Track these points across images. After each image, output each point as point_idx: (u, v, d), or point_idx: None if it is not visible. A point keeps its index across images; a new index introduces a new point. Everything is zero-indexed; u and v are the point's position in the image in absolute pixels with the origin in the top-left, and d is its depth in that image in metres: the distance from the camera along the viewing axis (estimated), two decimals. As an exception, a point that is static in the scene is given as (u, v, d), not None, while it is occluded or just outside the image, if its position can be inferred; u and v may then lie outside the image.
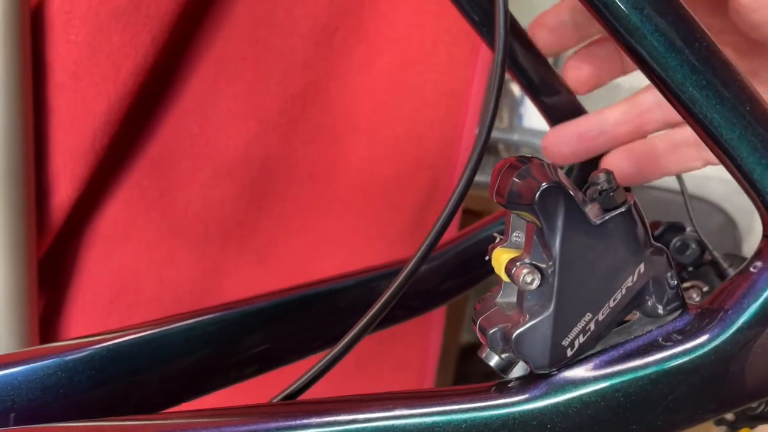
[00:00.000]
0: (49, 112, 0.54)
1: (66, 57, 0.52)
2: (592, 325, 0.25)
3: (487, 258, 0.27)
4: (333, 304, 0.35)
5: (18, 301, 0.57)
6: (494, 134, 0.97)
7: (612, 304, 0.26)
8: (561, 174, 0.25)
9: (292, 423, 0.22)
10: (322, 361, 0.27)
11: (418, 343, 0.65)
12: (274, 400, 0.26)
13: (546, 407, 0.24)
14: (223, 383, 0.33)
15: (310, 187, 0.61)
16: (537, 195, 0.24)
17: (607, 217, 0.25)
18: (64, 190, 0.56)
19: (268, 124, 0.59)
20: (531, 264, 0.25)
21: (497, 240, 0.27)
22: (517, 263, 0.25)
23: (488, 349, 0.26)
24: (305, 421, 0.22)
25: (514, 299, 0.26)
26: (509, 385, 0.25)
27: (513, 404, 0.25)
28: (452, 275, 0.38)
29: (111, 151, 0.57)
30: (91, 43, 0.51)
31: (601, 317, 0.26)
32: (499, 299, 0.27)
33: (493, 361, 0.26)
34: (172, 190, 0.60)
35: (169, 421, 0.23)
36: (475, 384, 0.26)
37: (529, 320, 0.25)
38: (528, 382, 0.25)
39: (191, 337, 0.30)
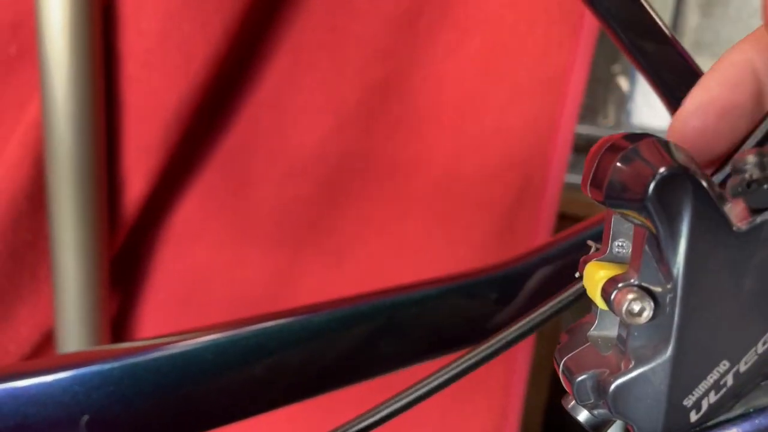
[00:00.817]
0: (121, 105, 0.53)
1: (137, 47, 0.50)
2: (729, 379, 0.18)
3: (577, 275, 0.20)
4: (410, 317, 0.30)
5: (89, 300, 0.55)
6: (598, 132, 0.89)
7: (761, 348, 0.18)
8: (688, 156, 0.18)
9: None
10: (389, 405, 0.22)
11: (498, 388, 0.58)
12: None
13: None
14: (279, 401, 0.28)
15: (389, 185, 0.57)
16: (651, 186, 0.17)
17: (758, 221, 0.18)
18: (137, 185, 0.55)
19: (345, 118, 0.55)
20: (640, 287, 0.18)
21: (592, 250, 0.20)
22: (620, 284, 0.18)
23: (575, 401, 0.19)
24: None
25: (613, 333, 0.19)
26: None
27: None
28: (534, 296, 0.30)
29: (184, 145, 0.55)
30: (161, 32, 0.49)
31: (743, 367, 0.18)
32: (593, 332, 0.20)
33: (582, 416, 0.19)
34: (245, 188, 0.58)
35: None
36: None
37: (635, 367, 0.18)
38: None
39: (251, 346, 0.26)
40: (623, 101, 0.96)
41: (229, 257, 0.60)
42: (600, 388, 0.18)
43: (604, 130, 0.91)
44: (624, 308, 0.17)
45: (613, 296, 0.18)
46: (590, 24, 0.51)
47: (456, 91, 0.53)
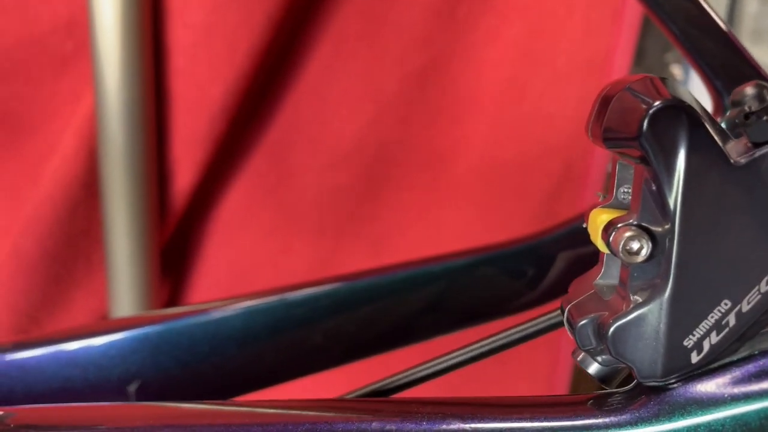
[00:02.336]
0: (169, 97, 0.55)
1: (184, 40, 0.52)
2: (731, 319, 0.17)
3: (584, 225, 0.19)
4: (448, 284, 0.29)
5: (141, 285, 0.58)
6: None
7: (765, 287, 0.17)
8: (687, 92, 0.17)
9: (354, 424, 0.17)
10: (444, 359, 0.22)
11: (546, 350, 0.58)
12: (349, 396, 0.22)
13: None
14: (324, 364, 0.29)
15: (428, 174, 0.57)
16: (646, 120, 0.16)
17: (757, 155, 0.17)
18: (185, 176, 0.57)
19: (384, 106, 0.55)
20: (638, 226, 0.17)
21: (600, 200, 0.20)
22: (618, 225, 0.18)
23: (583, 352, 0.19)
24: (372, 423, 0.17)
25: (617, 281, 0.19)
26: (609, 399, 0.18)
27: (607, 426, 0.17)
28: (564, 268, 0.30)
29: (229, 137, 0.56)
30: (207, 25, 0.51)
31: (746, 307, 0.17)
32: (598, 280, 0.19)
33: (592, 368, 0.19)
34: (288, 177, 0.59)
35: (247, 410, 0.19)
36: (579, 394, 0.19)
37: (634, 308, 0.17)
38: (632, 397, 0.18)
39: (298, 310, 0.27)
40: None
41: (273, 245, 0.61)
42: (600, 331, 0.18)
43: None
44: (621, 247, 0.17)
45: (611, 236, 0.18)
46: (633, 8, 0.50)
47: (495, 77, 0.53)
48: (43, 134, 0.57)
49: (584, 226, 0.19)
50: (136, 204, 0.55)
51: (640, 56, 0.59)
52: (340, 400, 0.21)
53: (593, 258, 0.21)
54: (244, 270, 0.62)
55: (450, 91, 0.54)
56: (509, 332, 0.23)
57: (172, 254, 0.61)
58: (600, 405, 0.18)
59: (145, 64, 0.53)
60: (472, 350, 0.22)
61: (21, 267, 0.54)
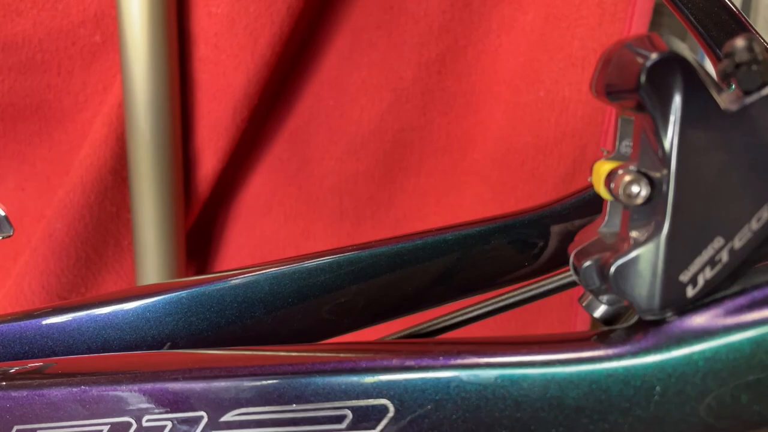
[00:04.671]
0: (194, 86, 0.56)
1: (208, 30, 0.53)
2: (724, 255, 0.19)
3: (589, 179, 0.21)
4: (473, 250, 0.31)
5: (168, 269, 0.60)
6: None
7: (755, 225, 0.19)
8: (682, 45, 0.18)
9: (368, 363, 0.19)
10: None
11: (563, 311, 0.59)
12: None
13: (654, 365, 0.18)
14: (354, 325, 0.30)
15: (446, 160, 0.58)
16: (644, 72, 0.17)
17: (747, 102, 0.18)
18: (209, 162, 0.58)
19: (401, 94, 0.56)
20: (637, 171, 0.19)
21: (603, 155, 0.21)
22: (619, 171, 0.19)
23: (590, 295, 0.21)
24: (385, 362, 0.19)
25: (618, 227, 0.20)
26: (612, 334, 0.19)
27: (610, 358, 0.18)
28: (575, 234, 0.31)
29: (252, 124, 0.58)
30: (230, 14, 0.52)
31: (738, 244, 0.19)
32: (602, 228, 0.21)
33: (598, 311, 0.21)
34: (308, 163, 0.60)
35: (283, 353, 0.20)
36: (585, 332, 0.20)
37: (634, 247, 0.18)
38: (633, 331, 0.19)
39: (335, 274, 0.28)
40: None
41: (294, 230, 0.63)
42: (603, 271, 0.19)
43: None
44: (622, 190, 0.19)
45: (613, 182, 0.19)
46: (646, -7, 0.51)
47: (510, 64, 0.54)
48: (73, 123, 0.59)
49: (589, 180, 0.21)
50: (163, 189, 0.57)
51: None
52: (360, 343, 0.22)
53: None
54: (266, 254, 0.64)
55: (466, 78, 0.55)
56: (525, 289, 0.24)
57: (197, 238, 0.63)
58: (604, 339, 0.19)
59: (171, 53, 0.55)
60: (489, 304, 0.24)
61: (54, 250, 0.56)
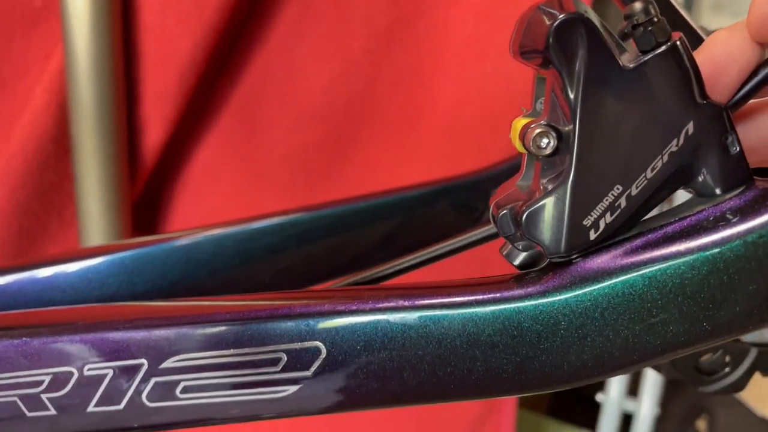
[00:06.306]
0: (138, 53, 0.55)
1: (152, -5, 0.52)
2: (622, 201, 0.20)
3: (510, 135, 0.22)
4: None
5: (113, 240, 0.59)
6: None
7: (650, 174, 0.20)
8: (589, 10, 0.19)
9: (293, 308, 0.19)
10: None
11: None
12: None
13: (560, 303, 0.20)
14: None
15: (396, 131, 0.59)
16: (551, 32, 0.19)
17: (643, 60, 0.19)
18: (154, 132, 0.57)
19: (351, 65, 0.57)
20: (546, 125, 0.20)
21: (523, 113, 0.22)
22: (531, 125, 0.20)
23: (509, 245, 0.22)
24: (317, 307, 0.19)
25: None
26: (526, 277, 0.21)
27: (521, 298, 0.20)
28: None
29: (199, 92, 0.57)
30: (175, -20, 0.51)
31: (635, 191, 0.20)
32: (519, 181, 0.22)
33: (516, 259, 0.22)
34: (257, 135, 0.60)
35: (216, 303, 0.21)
36: (503, 275, 0.22)
37: (543, 195, 0.20)
38: (543, 272, 0.21)
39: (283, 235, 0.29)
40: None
41: (243, 202, 0.63)
42: (516, 218, 0.21)
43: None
44: (532, 143, 0.20)
45: (525, 135, 0.21)
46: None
47: (458, 36, 0.55)
48: (13, 92, 0.57)
49: (510, 136, 0.22)
50: (107, 159, 0.56)
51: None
52: (301, 291, 0.23)
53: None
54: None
55: (416, 50, 0.56)
56: (452, 241, 0.25)
57: (143, 210, 0.62)
58: (518, 281, 0.21)
59: (114, 19, 0.53)
60: (419, 257, 0.25)
61: (-7, 220, 0.55)
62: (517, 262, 0.22)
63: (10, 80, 0.57)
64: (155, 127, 0.57)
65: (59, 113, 0.55)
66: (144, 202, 0.62)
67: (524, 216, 0.20)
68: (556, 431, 0.90)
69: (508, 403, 0.62)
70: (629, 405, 0.80)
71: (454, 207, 0.30)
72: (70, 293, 0.26)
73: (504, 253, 0.22)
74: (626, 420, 0.81)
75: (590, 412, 0.83)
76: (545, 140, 0.20)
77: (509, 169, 0.31)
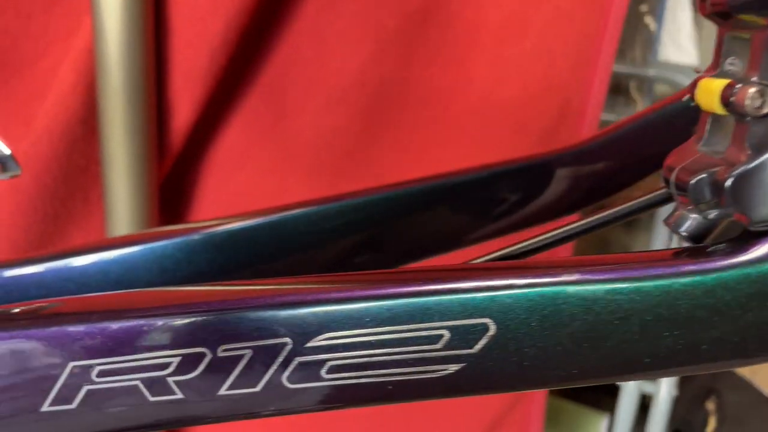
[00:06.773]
0: (169, 31, 0.54)
1: (184, -28, 0.51)
2: None
3: (686, 99, 0.21)
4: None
5: (139, 224, 0.58)
6: (626, 70, 0.88)
7: None
8: None
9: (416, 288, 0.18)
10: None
11: None
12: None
13: None
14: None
15: (427, 113, 0.58)
16: None
17: None
18: (184, 112, 0.56)
19: (383, 45, 0.56)
20: (760, 83, 0.19)
21: (699, 74, 0.21)
22: (739, 84, 0.19)
23: (682, 211, 0.21)
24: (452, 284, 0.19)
25: (722, 147, 0.21)
26: (722, 246, 0.20)
27: (725, 269, 0.19)
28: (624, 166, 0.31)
29: (228, 73, 0.56)
30: (207, -44, 0.50)
31: None
32: (702, 147, 0.21)
33: (685, 226, 0.21)
34: (285, 117, 0.59)
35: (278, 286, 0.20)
36: (683, 247, 0.20)
37: (753, 158, 0.19)
38: (745, 241, 0.20)
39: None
40: (650, 40, 0.96)
41: (270, 185, 0.62)
42: (716, 184, 0.20)
43: (630, 67, 0.91)
44: (750, 102, 0.19)
45: (734, 97, 0.19)
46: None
47: (495, 15, 0.54)
48: (32, 71, 0.56)
49: (684, 100, 0.21)
50: (136, 141, 0.55)
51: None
52: (461, 265, 0.22)
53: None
54: (240, 209, 0.62)
55: (450, 29, 0.55)
56: (616, 210, 0.24)
57: (170, 192, 0.61)
58: (716, 251, 0.20)
59: (144, -3, 0.52)
60: (577, 227, 0.24)
61: (20, 204, 0.54)
62: (685, 229, 0.21)
63: (29, 59, 0.55)
64: (184, 108, 0.56)
65: (87, 94, 0.53)
66: (170, 184, 0.61)
67: (731, 181, 0.19)
68: (574, 412, 0.91)
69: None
70: (648, 387, 0.81)
71: (513, 191, 0.29)
72: (95, 285, 0.25)
73: (671, 223, 0.21)
74: (642, 406, 0.82)
75: (609, 397, 0.84)
76: (761, 100, 0.19)
77: (578, 152, 0.30)
